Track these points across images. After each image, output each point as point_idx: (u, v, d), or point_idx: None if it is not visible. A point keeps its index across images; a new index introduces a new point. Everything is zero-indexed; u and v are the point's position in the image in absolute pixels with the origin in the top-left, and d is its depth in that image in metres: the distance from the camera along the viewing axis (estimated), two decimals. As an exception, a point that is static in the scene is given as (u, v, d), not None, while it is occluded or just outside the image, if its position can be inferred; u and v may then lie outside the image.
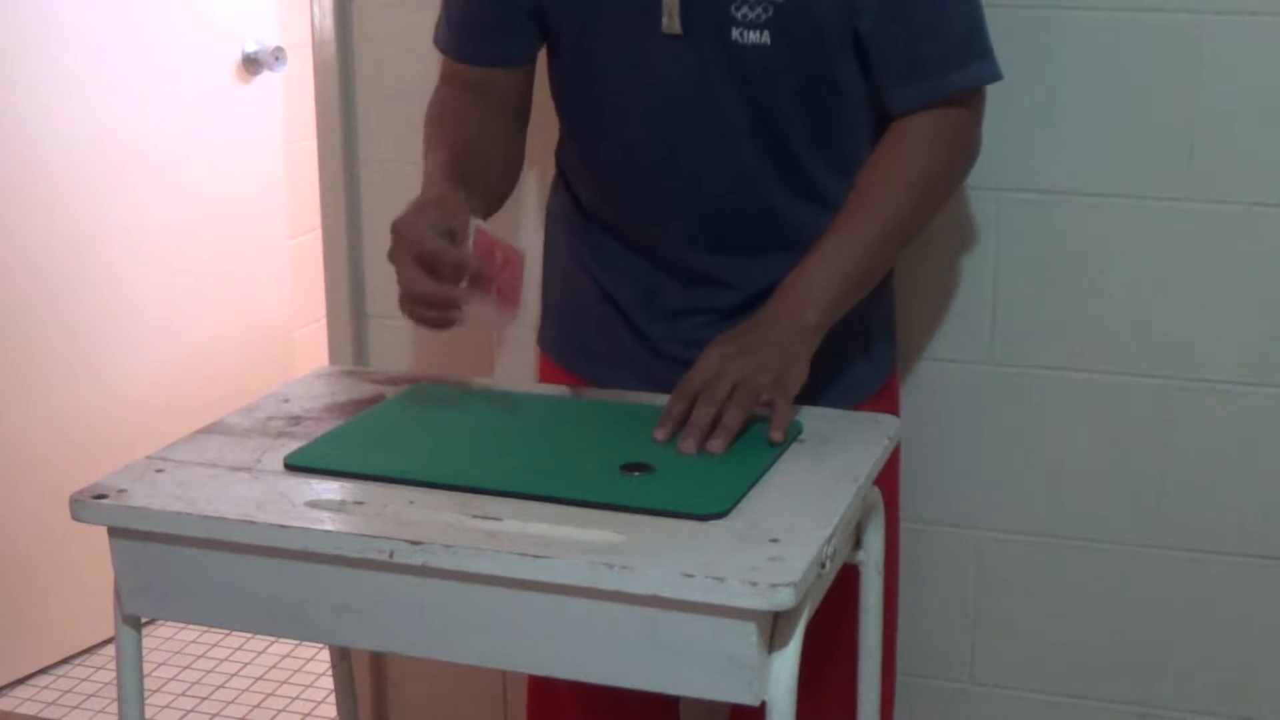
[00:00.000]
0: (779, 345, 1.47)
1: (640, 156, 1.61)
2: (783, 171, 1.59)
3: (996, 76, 1.60)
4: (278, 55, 3.16)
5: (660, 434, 1.44)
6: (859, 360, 1.71)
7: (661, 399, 1.60)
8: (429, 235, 1.42)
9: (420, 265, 1.42)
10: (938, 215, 1.65)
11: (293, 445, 1.46)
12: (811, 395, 1.59)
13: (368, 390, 1.65)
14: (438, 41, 1.72)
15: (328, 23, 2.11)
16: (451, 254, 1.42)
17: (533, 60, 1.69)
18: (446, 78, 1.71)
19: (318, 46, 2.12)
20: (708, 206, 1.62)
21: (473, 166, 1.58)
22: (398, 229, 1.45)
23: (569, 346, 1.76)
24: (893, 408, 1.77)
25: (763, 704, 1.23)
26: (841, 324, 1.56)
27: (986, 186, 1.87)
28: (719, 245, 1.63)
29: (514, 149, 1.69)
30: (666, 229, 1.65)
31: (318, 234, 2.23)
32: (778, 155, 1.59)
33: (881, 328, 1.75)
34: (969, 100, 1.60)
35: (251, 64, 3.14)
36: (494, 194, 1.63)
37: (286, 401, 1.61)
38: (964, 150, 1.62)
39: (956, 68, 1.56)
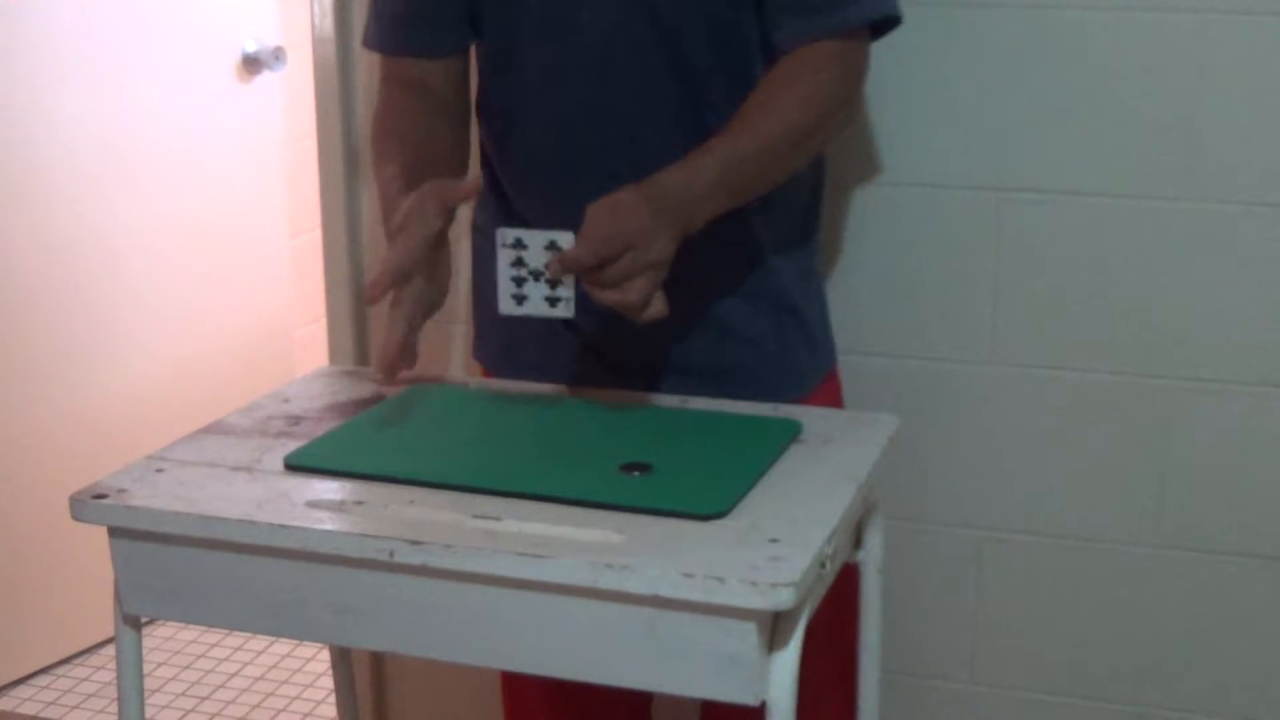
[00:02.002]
0: (667, 243, 1.42)
1: (564, 134, 1.60)
2: (698, 137, 1.56)
3: (892, 11, 1.58)
4: (278, 55, 3.16)
5: (555, 269, 1.40)
6: (801, 350, 1.70)
7: (662, 399, 1.60)
8: (418, 246, 1.44)
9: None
10: (815, 153, 1.62)
11: (293, 445, 1.46)
12: (760, 388, 1.61)
13: (368, 390, 1.65)
14: (368, 41, 1.72)
15: (328, 23, 2.11)
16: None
17: (466, 52, 1.69)
18: (385, 80, 1.70)
19: (318, 46, 2.12)
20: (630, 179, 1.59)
21: (430, 167, 1.59)
22: (388, 269, 1.45)
23: (516, 362, 1.72)
24: (837, 398, 1.78)
25: (762, 704, 1.23)
26: (778, 315, 1.62)
27: (986, 186, 1.87)
28: None
29: (460, 146, 1.69)
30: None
31: (318, 234, 2.23)
32: (697, 116, 1.57)
33: (816, 316, 1.73)
34: (859, 37, 1.58)
35: (251, 64, 3.14)
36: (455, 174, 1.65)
37: (286, 401, 1.61)
38: (853, 87, 1.60)
39: (851, 3, 1.55)
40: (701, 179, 1.47)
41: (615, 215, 1.41)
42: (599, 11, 1.55)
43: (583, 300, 1.65)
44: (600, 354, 1.67)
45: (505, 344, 1.74)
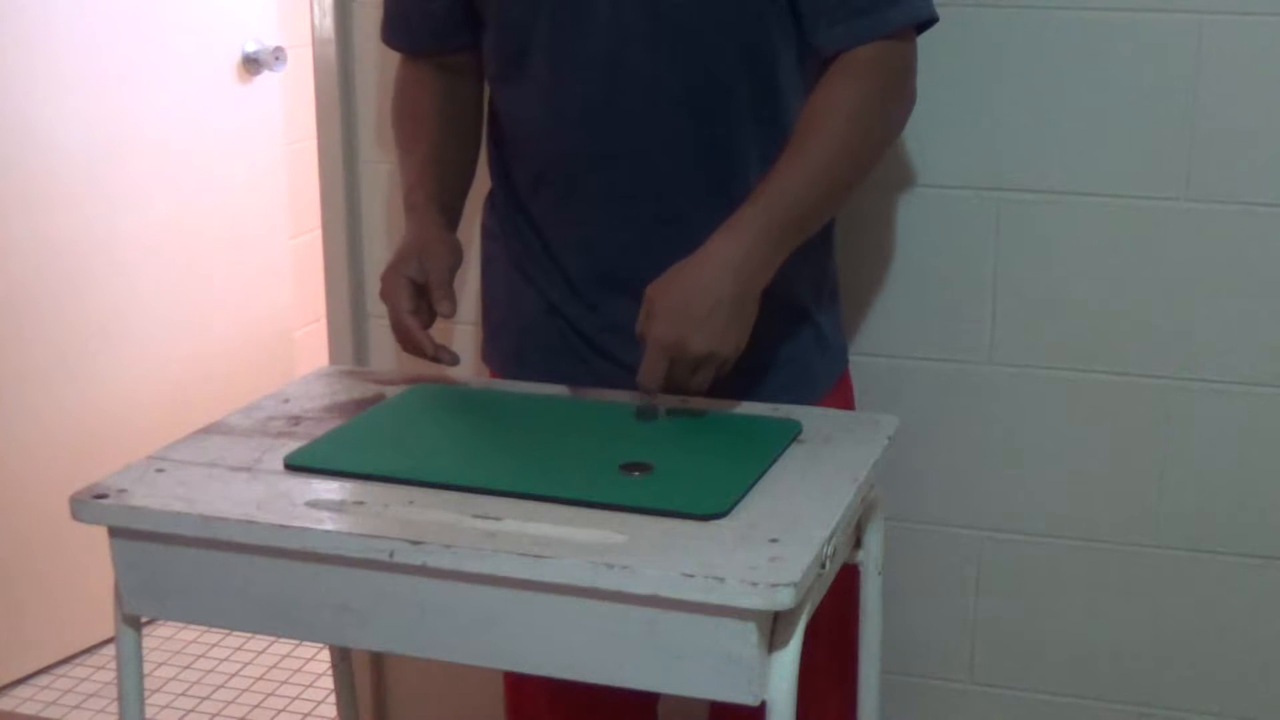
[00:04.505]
0: (730, 314, 1.46)
1: (575, 136, 1.60)
2: (713, 143, 1.58)
3: (932, 13, 1.59)
4: (278, 55, 3.16)
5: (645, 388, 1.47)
6: (814, 353, 1.70)
7: (661, 399, 1.60)
8: (404, 306, 1.57)
9: (410, 304, 1.58)
10: (881, 157, 1.62)
11: (293, 445, 1.46)
12: (770, 391, 1.62)
13: (368, 390, 1.65)
14: (389, 39, 1.77)
15: (328, 23, 2.10)
16: (418, 336, 1.57)
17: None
18: (405, 59, 1.76)
19: (318, 46, 2.12)
20: (639, 190, 1.60)
21: (447, 159, 1.70)
22: (382, 293, 1.59)
23: (525, 366, 1.72)
24: (849, 400, 1.78)
25: (762, 704, 1.23)
26: (789, 318, 1.63)
27: (986, 186, 1.87)
28: (647, 241, 1.61)
29: (479, 114, 1.75)
30: (599, 222, 1.63)
31: (318, 234, 2.23)
32: (712, 122, 1.57)
33: (829, 319, 1.74)
34: (905, 36, 1.58)
35: (251, 64, 3.14)
36: (471, 171, 1.75)
37: (286, 401, 1.61)
38: (903, 87, 1.60)
39: (892, 5, 1.55)
40: (759, 249, 1.48)
41: (672, 325, 1.45)
42: (612, 14, 1.54)
43: (587, 304, 1.65)
44: (610, 358, 1.67)
45: (515, 349, 1.74)
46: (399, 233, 1.70)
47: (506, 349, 1.76)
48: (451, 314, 1.58)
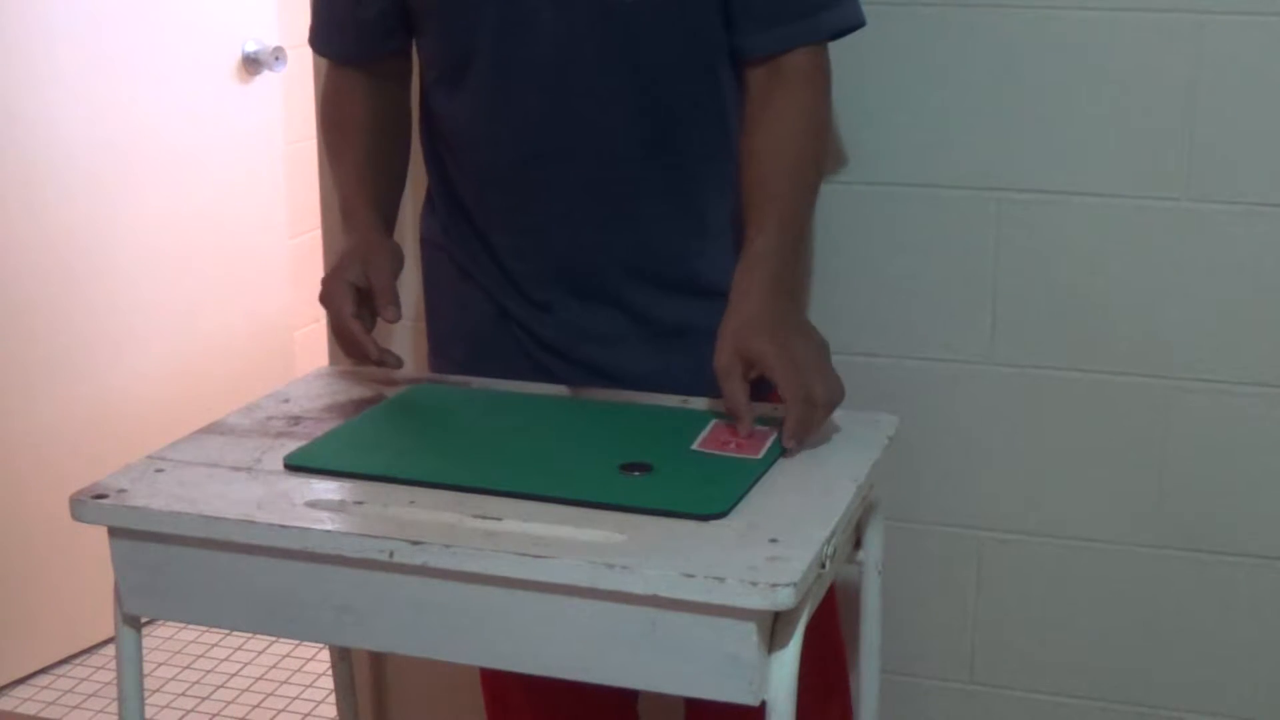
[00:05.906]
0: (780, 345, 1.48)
1: (523, 144, 1.59)
2: (663, 141, 1.58)
3: (862, 19, 1.60)
4: (278, 55, 3.16)
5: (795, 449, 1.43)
6: None
7: (662, 398, 1.60)
8: (347, 311, 1.54)
9: (353, 309, 1.55)
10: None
11: (293, 445, 1.46)
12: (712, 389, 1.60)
13: (368, 390, 1.65)
14: (319, 46, 1.75)
15: (328, 23, 2.10)
16: (362, 340, 1.55)
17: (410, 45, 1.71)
18: (332, 65, 1.74)
19: (318, 46, 2.12)
20: (589, 191, 1.60)
21: (380, 165, 1.68)
22: (322, 298, 1.58)
23: (476, 373, 1.70)
24: None
25: (762, 704, 1.23)
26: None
27: (986, 186, 1.87)
28: (600, 240, 1.62)
29: (408, 115, 1.74)
30: (551, 224, 1.63)
31: (318, 234, 2.23)
32: (661, 121, 1.58)
33: None
34: (825, 46, 1.60)
35: (251, 64, 3.14)
36: (403, 176, 1.73)
37: (286, 401, 1.61)
38: (830, 91, 1.62)
39: (825, 9, 1.56)
40: (786, 275, 1.52)
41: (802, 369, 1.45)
42: (557, 17, 1.53)
43: (538, 305, 1.65)
44: (559, 354, 1.67)
45: (464, 356, 1.73)
46: (397, 233, 1.69)
47: (455, 357, 1.74)
48: (397, 319, 1.57)
